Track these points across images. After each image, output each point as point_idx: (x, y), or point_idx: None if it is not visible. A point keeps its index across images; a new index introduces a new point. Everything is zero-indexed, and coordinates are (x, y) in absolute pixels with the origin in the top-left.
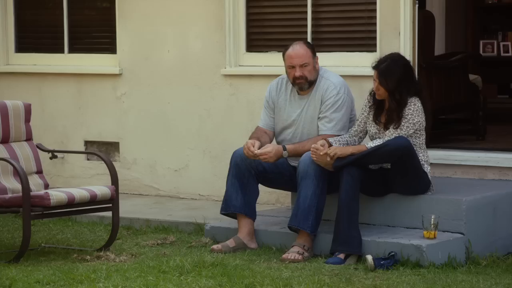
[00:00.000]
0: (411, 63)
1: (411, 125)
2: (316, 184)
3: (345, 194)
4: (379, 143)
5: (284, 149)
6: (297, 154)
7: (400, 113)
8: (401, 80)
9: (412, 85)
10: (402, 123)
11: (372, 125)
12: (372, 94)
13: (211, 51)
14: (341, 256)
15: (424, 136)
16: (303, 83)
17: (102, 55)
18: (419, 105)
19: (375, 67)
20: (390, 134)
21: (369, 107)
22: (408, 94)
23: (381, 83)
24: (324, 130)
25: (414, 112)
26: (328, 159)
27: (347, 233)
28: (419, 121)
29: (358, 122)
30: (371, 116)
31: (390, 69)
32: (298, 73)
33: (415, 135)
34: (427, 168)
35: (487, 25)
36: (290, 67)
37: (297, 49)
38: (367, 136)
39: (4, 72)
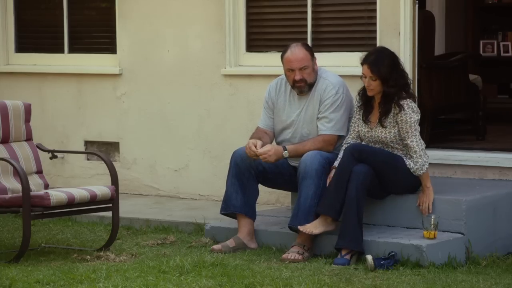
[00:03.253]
0: (411, 63)
1: (417, 126)
2: (317, 184)
3: (355, 191)
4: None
5: (285, 149)
6: (298, 155)
7: (399, 101)
8: (392, 67)
9: (402, 75)
10: (413, 133)
11: (363, 125)
12: (361, 93)
13: (211, 51)
14: (347, 257)
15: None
16: (303, 86)
17: (102, 55)
18: (414, 105)
19: (363, 62)
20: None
21: (358, 107)
22: (399, 88)
23: (373, 72)
24: (323, 130)
25: (412, 113)
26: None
27: (355, 231)
28: (417, 119)
29: (352, 128)
30: (361, 117)
31: (380, 58)
32: (298, 76)
33: None
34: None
35: (487, 25)
36: (289, 70)
37: (296, 53)
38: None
39: (4, 72)
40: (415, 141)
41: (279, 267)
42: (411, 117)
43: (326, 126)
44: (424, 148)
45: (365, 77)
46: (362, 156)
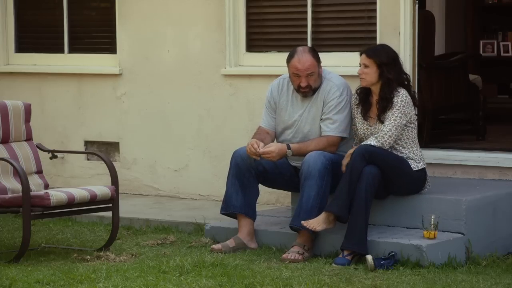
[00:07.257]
0: (411, 63)
1: (403, 115)
2: (320, 185)
3: (365, 192)
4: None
5: (288, 147)
6: (301, 154)
7: (392, 98)
8: (390, 60)
9: (401, 73)
10: (395, 114)
11: (362, 123)
12: (358, 91)
13: (211, 51)
14: (349, 258)
15: (416, 131)
16: (308, 91)
17: (102, 55)
18: (408, 96)
19: (361, 52)
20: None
21: (356, 106)
22: (398, 80)
23: (369, 56)
24: (327, 131)
25: (405, 104)
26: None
27: (361, 233)
28: (410, 112)
29: (354, 131)
30: (360, 115)
31: (379, 49)
32: (304, 83)
33: (408, 128)
34: (419, 164)
35: (487, 25)
36: (295, 75)
37: (304, 60)
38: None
39: (4, 72)
40: (390, 125)
41: (279, 267)
42: (401, 100)
43: (329, 127)
44: (391, 135)
45: (361, 66)
46: (372, 157)
